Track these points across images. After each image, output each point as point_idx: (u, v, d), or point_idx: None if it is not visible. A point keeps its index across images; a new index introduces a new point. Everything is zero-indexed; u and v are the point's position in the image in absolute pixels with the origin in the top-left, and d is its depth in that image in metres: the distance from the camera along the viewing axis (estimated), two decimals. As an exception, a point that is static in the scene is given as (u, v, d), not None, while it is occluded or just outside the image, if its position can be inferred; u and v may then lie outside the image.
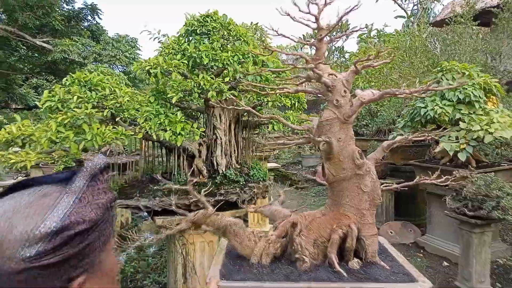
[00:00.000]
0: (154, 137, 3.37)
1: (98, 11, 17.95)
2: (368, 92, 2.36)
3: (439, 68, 6.43)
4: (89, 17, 18.23)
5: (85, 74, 3.40)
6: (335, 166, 2.35)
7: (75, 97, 3.22)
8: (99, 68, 6.74)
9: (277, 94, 3.65)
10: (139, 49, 17.55)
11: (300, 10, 2.19)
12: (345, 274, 1.90)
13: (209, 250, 3.98)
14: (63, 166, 7.58)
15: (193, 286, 3.92)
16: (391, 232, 7.39)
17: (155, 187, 3.81)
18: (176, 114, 3.47)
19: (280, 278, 1.90)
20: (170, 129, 3.36)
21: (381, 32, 16.17)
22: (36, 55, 18.58)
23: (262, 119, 2.17)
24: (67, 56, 16.11)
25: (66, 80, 3.41)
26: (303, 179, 12.83)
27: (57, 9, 17.38)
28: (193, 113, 4.50)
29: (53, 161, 8.10)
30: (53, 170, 8.19)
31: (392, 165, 8.17)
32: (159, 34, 4.72)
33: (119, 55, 15.81)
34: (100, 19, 19.81)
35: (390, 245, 2.49)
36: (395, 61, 10.68)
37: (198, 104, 4.33)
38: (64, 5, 18.07)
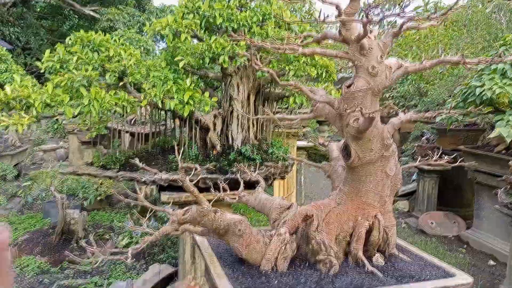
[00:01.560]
0: (160, 104, 3.05)
1: (144, -21, 17.85)
2: (393, 60, 1.89)
3: (502, 42, 5.58)
4: (135, -14, 18.19)
5: (89, 34, 3.12)
6: (363, 147, 1.93)
7: (75, 58, 2.95)
8: (127, 33, 6.53)
9: (301, 62, 3.18)
10: (183, 20, 17.31)
11: None
12: (380, 274, 1.64)
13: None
14: (95, 133, 7.54)
15: (201, 268, 3.66)
16: (432, 223, 6.76)
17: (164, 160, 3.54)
18: (186, 81, 3.11)
19: None
20: (177, 97, 3.02)
21: (439, 5, 14.80)
22: (87, 24, 18.94)
23: (281, 85, 1.77)
24: (112, 25, 16.23)
25: (69, 39, 3.15)
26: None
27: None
28: (213, 83, 4.14)
29: (87, 127, 8.13)
30: (87, 137, 8.24)
31: (450, 162, 7.43)
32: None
33: (162, 25, 15.63)
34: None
35: None
36: (453, 36, 9.67)
37: (218, 72, 3.95)
38: (112, -27, 18.14)
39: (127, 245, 5.50)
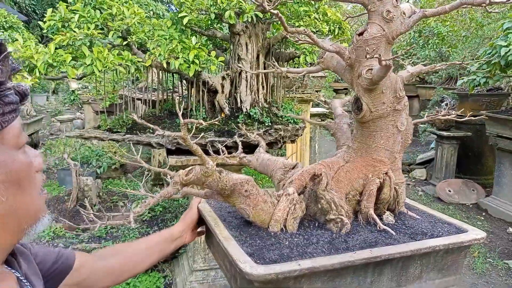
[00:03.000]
0: (164, 65, 2.95)
1: None
2: (406, 5, 1.72)
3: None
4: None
5: (90, -9, 3.01)
6: (375, 100, 1.79)
7: (77, 16, 2.86)
8: (136, -3, 6.36)
9: (312, 18, 3.01)
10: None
11: None
12: (393, 232, 1.56)
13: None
14: (108, 102, 7.54)
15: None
16: (450, 191, 6.60)
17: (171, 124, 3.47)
18: (191, 39, 2.99)
19: (326, 249, 1.43)
20: (182, 57, 2.91)
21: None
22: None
23: (289, 32, 1.62)
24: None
25: (71, -4, 3.05)
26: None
27: None
28: (221, 44, 4.00)
29: (102, 97, 8.13)
30: (100, 106, 8.25)
31: (460, 115, 7.17)
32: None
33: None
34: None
35: None
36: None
37: (227, 33, 3.80)
38: None
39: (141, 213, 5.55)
